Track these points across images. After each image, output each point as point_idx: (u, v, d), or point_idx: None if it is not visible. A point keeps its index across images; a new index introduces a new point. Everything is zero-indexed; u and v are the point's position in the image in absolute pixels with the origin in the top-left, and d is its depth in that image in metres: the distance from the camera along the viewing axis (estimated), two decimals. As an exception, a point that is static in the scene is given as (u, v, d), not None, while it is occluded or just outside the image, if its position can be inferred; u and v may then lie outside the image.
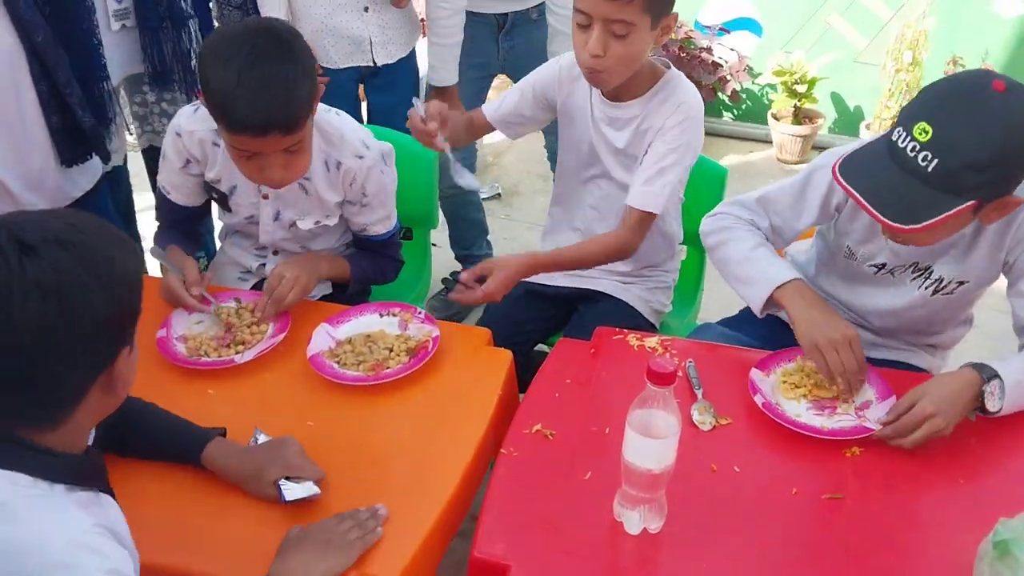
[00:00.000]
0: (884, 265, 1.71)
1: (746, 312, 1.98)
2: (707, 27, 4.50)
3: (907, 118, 1.41)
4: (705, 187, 2.27)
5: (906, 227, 1.41)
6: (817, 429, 1.52)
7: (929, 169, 1.37)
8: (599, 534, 1.34)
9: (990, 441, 1.53)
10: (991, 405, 1.50)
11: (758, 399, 1.55)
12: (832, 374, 1.57)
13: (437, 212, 2.54)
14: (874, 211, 1.43)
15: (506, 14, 2.73)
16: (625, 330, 1.80)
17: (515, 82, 2.85)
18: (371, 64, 2.60)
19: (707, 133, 5.02)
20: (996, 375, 1.49)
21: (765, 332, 1.85)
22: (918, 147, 1.37)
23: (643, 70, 1.86)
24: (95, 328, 1.03)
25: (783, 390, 1.62)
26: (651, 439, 1.25)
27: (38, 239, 1.00)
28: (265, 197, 1.90)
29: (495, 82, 3.01)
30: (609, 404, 1.57)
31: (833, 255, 1.81)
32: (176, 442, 1.46)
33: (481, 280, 1.80)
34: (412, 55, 2.75)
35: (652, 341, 1.76)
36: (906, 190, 1.40)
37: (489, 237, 3.27)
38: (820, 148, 4.50)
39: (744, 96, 4.58)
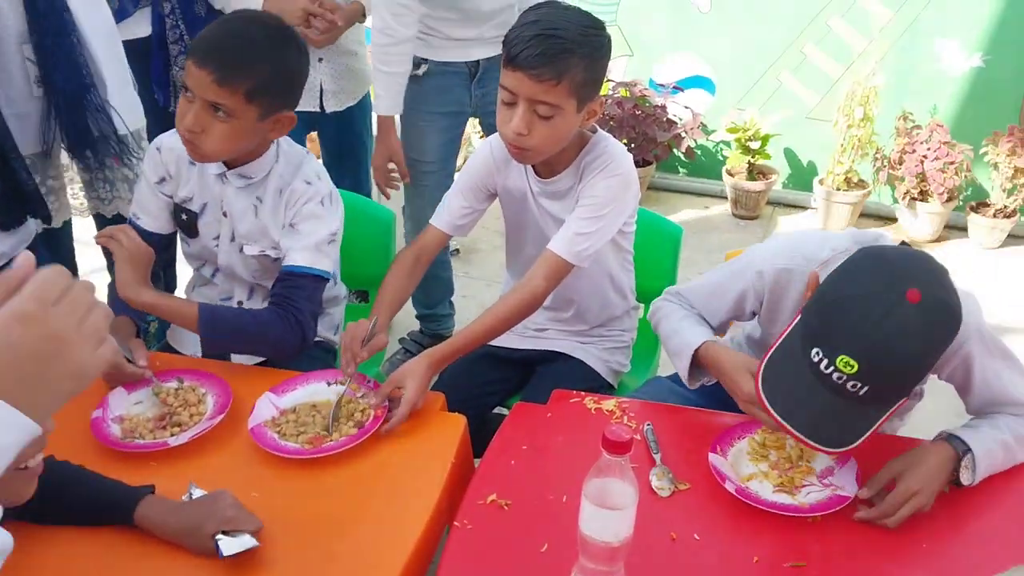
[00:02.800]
0: None
1: None
2: (661, 85, 4.57)
3: (829, 349, 1.36)
4: (660, 246, 2.26)
5: (844, 449, 1.43)
6: (796, 508, 1.47)
7: (861, 394, 1.37)
8: (556, 610, 1.29)
9: (951, 505, 1.50)
10: (965, 479, 1.50)
11: (729, 486, 1.49)
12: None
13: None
14: (813, 444, 1.42)
15: (477, 61, 2.70)
16: (582, 392, 1.77)
17: (483, 125, 2.89)
18: (318, 110, 2.71)
19: (663, 189, 5.07)
20: (969, 450, 1.50)
21: (711, 388, 1.83)
22: (845, 377, 1.35)
23: (571, 142, 1.83)
24: None
25: (746, 462, 1.59)
26: (608, 510, 1.21)
27: None
28: (225, 215, 1.91)
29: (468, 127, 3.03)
30: (566, 471, 1.52)
31: (764, 342, 1.80)
32: (105, 503, 1.40)
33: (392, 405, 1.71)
34: (363, 100, 2.87)
35: (609, 404, 1.72)
36: (840, 411, 1.39)
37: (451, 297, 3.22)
38: (775, 203, 4.56)
39: (699, 152, 4.63)
